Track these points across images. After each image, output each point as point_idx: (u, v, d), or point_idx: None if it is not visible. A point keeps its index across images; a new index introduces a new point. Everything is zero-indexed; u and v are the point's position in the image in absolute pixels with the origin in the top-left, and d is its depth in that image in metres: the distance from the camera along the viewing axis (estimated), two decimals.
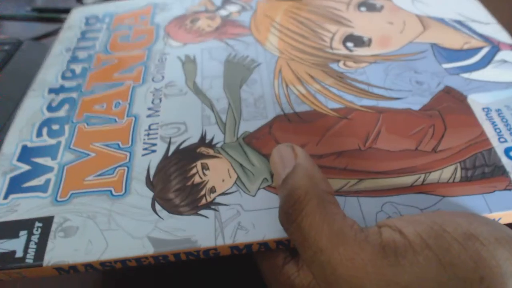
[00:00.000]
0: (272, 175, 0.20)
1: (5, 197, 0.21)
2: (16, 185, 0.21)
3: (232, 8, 0.32)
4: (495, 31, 0.26)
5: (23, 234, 0.19)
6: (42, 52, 0.44)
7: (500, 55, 0.24)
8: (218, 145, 0.22)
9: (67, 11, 0.54)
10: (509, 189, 0.18)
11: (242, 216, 0.19)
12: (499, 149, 0.20)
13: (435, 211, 0.18)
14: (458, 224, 0.15)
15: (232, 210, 0.19)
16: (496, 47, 0.25)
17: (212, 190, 0.20)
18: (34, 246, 0.19)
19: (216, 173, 0.20)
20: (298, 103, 0.23)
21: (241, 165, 0.20)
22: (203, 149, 0.21)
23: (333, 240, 0.15)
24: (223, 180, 0.20)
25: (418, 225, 0.15)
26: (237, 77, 0.25)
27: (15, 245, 0.19)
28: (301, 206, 0.16)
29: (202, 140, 0.22)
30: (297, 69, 0.25)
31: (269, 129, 0.22)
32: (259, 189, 0.19)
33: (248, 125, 0.22)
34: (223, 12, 0.31)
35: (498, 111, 0.21)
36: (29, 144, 0.23)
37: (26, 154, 0.22)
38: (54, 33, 0.50)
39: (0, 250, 0.19)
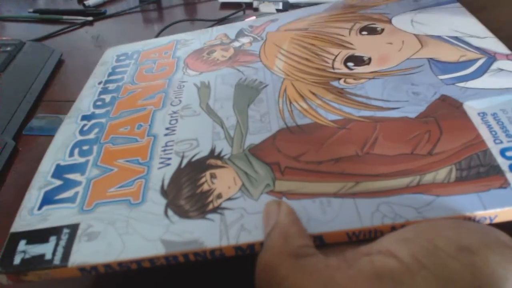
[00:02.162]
0: (274, 181, 0.21)
1: (39, 208, 0.23)
2: (49, 197, 0.24)
3: (244, 40, 0.35)
4: (491, 43, 0.27)
5: (52, 239, 0.21)
6: (44, 53, 0.45)
7: (496, 65, 0.25)
8: (226, 157, 0.23)
9: (68, 12, 0.55)
10: (504, 187, 0.19)
11: (246, 219, 0.20)
12: (495, 150, 0.20)
13: (420, 223, 0.18)
14: (449, 238, 0.15)
15: (236, 214, 0.20)
16: (492, 57, 0.26)
17: (219, 196, 0.21)
18: (62, 250, 0.21)
19: (223, 181, 0.22)
20: (300, 117, 0.25)
21: (245, 173, 0.22)
22: (212, 161, 0.23)
23: None
24: (229, 187, 0.22)
25: (411, 245, 0.15)
26: (245, 97, 0.28)
27: (45, 249, 0.21)
28: (274, 268, 0.16)
29: (212, 153, 0.24)
30: (300, 88, 0.27)
31: (272, 140, 0.24)
32: (262, 193, 0.21)
33: (254, 138, 0.24)
34: (236, 44, 0.34)
35: (494, 115, 0.22)
36: (62, 163, 0.26)
37: (59, 171, 0.25)
38: (56, 34, 0.51)
39: (32, 254, 0.21)
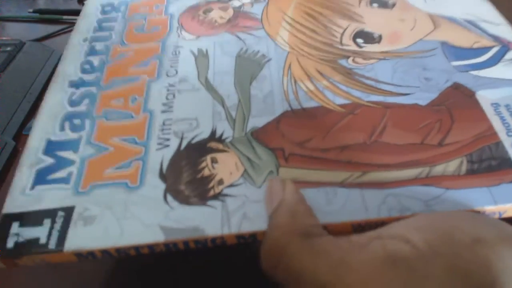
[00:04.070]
0: (277, 168, 0.21)
1: (32, 188, 0.22)
2: (41, 177, 0.23)
3: (244, 0, 0.32)
4: (506, 31, 0.26)
5: (46, 222, 0.21)
6: (44, 53, 0.45)
7: (510, 55, 0.24)
8: (227, 140, 0.22)
9: (68, 12, 0.54)
10: None
11: (248, 207, 0.19)
12: (507, 142, 0.20)
13: (434, 213, 0.17)
14: (465, 229, 0.15)
15: (238, 201, 0.20)
16: (506, 47, 0.24)
17: (220, 182, 0.21)
18: (57, 234, 0.20)
19: (225, 166, 0.21)
20: (306, 99, 0.24)
21: (248, 158, 0.21)
22: (213, 144, 0.22)
23: (336, 272, 0.15)
24: (230, 173, 0.21)
25: (426, 233, 0.15)
26: (247, 73, 0.26)
27: (39, 232, 0.20)
28: (282, 246, 0.16)
29: (213, 135, 0.23)
30: (306, 65, 0.26)
31: (276, 124, 0.23)
32: (265, 181, 0.20)
33: (257, 121, 0.23)
34: (235, 3, 0.32)
35: (507, 106, 0.21)
36: (53, 138, 0.25)
37: (50, 147, 0.24)
38: (56, 34, 0.51)
39: (25, 237, 0.20)
